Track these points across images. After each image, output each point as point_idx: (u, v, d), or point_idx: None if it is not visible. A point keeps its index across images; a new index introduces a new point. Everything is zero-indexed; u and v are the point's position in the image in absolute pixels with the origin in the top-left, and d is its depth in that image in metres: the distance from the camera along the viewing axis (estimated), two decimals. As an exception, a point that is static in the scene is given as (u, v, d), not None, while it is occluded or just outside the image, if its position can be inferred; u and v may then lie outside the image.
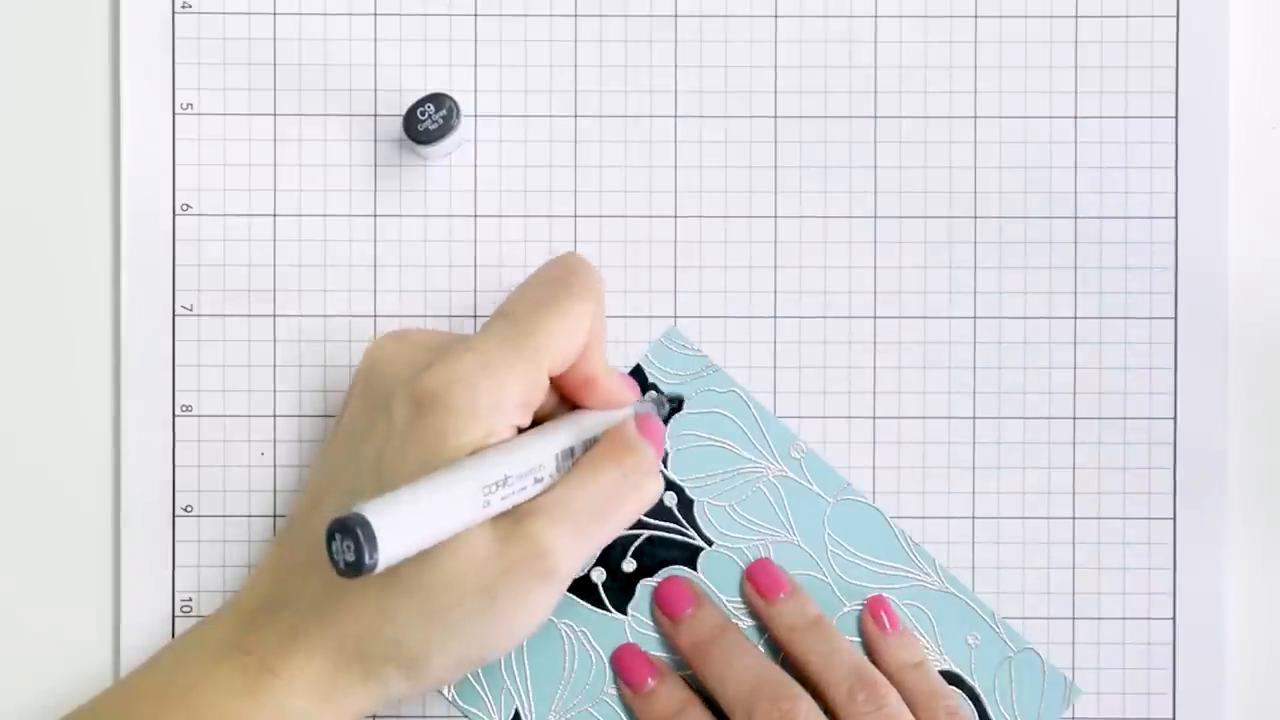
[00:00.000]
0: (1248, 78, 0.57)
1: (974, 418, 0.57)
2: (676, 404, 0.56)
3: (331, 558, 0.44)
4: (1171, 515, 0.57)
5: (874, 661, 0.54)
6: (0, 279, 0.57)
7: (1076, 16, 0.57)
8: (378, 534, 0.43)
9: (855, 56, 0.57)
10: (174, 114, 0.57)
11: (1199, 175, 0.57)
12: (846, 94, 0.57)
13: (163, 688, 0.50)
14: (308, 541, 0.51)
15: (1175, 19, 0.57)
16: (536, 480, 0.48)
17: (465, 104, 0.56)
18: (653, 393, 0.56)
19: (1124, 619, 0.57)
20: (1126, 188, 0.57)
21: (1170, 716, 0.56)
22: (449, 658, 0.48)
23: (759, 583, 0.55)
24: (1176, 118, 0.57)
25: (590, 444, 0.51)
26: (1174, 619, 0.56)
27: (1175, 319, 0.57)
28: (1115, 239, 0.57)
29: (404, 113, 0.55)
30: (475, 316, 0.56)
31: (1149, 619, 0.56)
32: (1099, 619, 0.56)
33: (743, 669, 0.53)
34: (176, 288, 0.56)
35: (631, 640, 0.55)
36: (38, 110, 0.57)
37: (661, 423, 0.54)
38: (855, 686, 0.52)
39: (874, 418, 0.57)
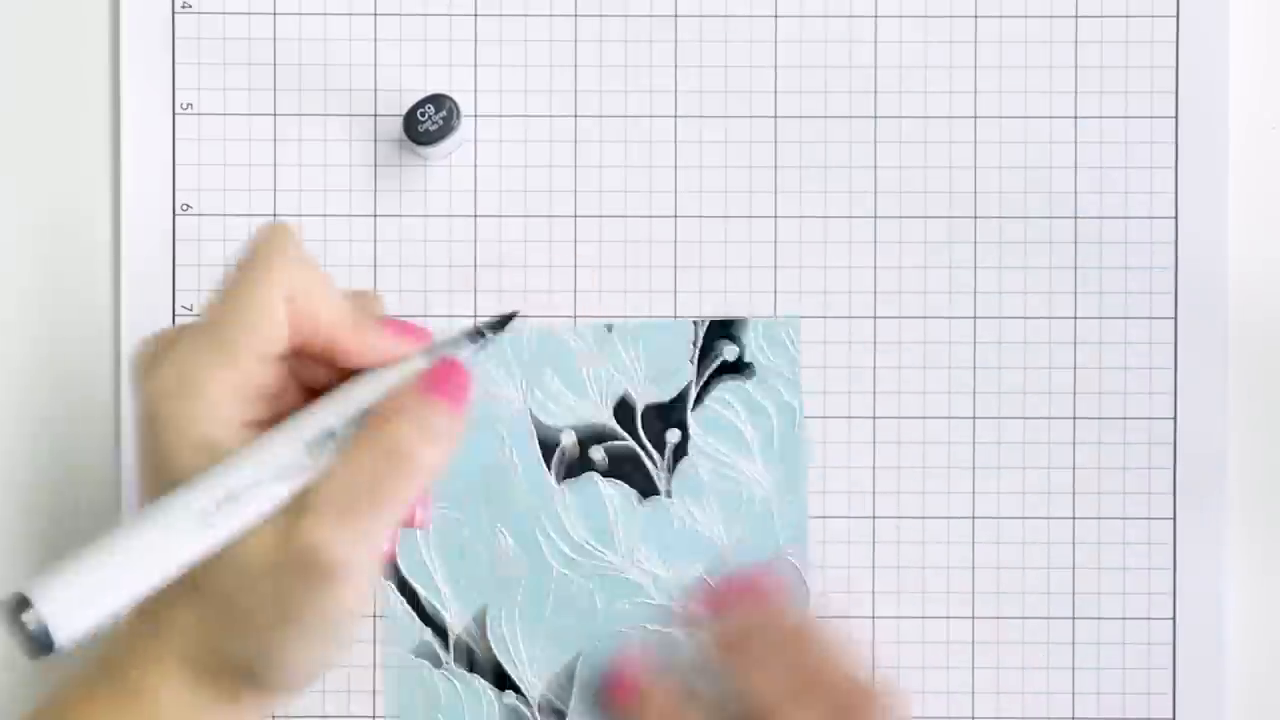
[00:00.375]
0: (1248, 78, 0.57)
1: (974, 418, 0.57)
2: (496, 326, 0.48)
3: (19, 643, 0.41)
4: (1171, 515, 0.57)
5: None
6: (1, 279, 0.57)
7: (1076, 16, 0.57)
8: (47, 618, 0.40)
9: (855, 56, 0.57)
10: (174, 114, 0.57)
11: (1199, 175, 0.57)
12: (846, 94, 0.57)
13: (39, 715, 0.47)
14: None
15: (1175, 19, 0.57)
16: (285, 480, 0.44)
17: (465, 104, 0.56)
18: (460, 332, 0.48)
19: (1124, 619, 0.56)
20: (1126, 188, 0.57)
21: (1170, 716, 0.56)
22: (277, 666, 0.46)
23: (747, 589, 0.52)
24: (1176, 118, 0.57)
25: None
26: (1174, 619, 0.56)
27: (1175, 319, 0.57)
28: (1115, 239, 0.57)
29: (404, 113, 0.55)
30: (475, 316, 0.56)
31: (1149, 619, 0.56)
32: (1099, 619, 0.56)
33: (771, 673, 0.49)
34: (176, 288, 0.56)
35: None
36: (38, 110, 0.57)
37: (459, 364, 0.46)
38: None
39: (874, 418, 0.57)
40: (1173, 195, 0.57)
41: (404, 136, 0.55)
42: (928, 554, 0.57)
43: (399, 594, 0.56)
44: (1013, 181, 0.57)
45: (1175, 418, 0.57)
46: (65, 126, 0.57)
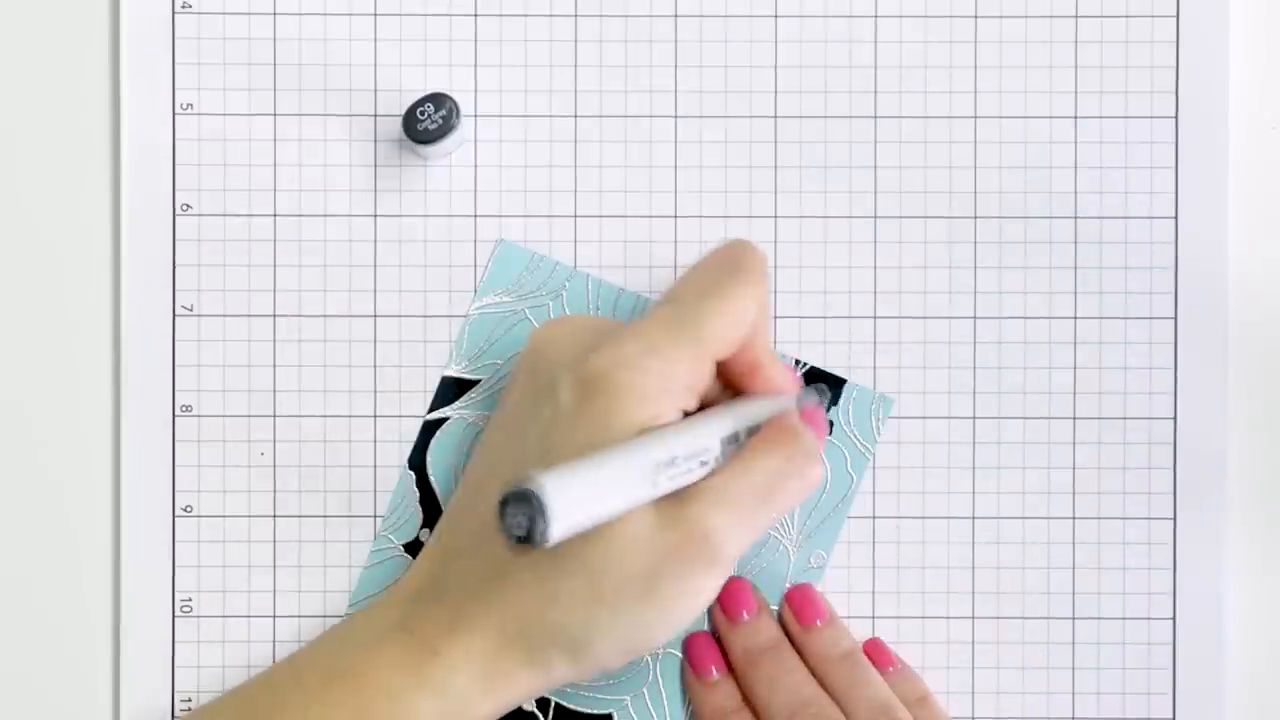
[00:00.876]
0: (1248, 78, 0.57)
1: (974, 418, 0.57)
2: (834, 397, 0.56)
3: (504, 529, 0.43)
4: (1171, 515, 0.57)
5: None
6: (1, 279, 0.57)
7: (1076, 16, 0.57)
8: (550, 506, 0.42)
9: (855, 56, 0.57)
10: (174, 114, 0.57)
11: (1199, 175, 0.57)
12: (846, 94, 0.57)
13: (328, 664, 0.50)
14: (471, 525, 0.51)
15: (1175, 19, 0.57)
16: (702, 464, 0.48)
17: (465, 104, 0.56)
18: (816, 385, 0.55)
19: (1124, 619, 0.57)
20: (1126, 188, 0.57)
21: (1170, 716, 0.56)
22: (611, 643, 0.48)
23: (797, 608, 0.55)
24: (1176, 118, 0.57)
25: (753, 431, 0.50)
26: (1174, 619, 0.56)
27: (1175, 319, 0.57)
28: (1115, 239, 0.57)
29: (404, 113, 0.55)
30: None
31: (1149, 619, 0.56)
32: (1099, 619, 0.56)
33: (792, 684, 0.53)
34: (176, 288, 0.56)
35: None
36: (38, 110, 0.57)
37: (824, 413, 0.54)
38: None
39: (874, 418, 0.57)
40: (1173, 195, 0.57)
41: (404, 136, 0.55)
42: (928, 554, 0.57)
43: (415, 484, 0.56)
44: (1013, 181, 0.57)
45: (1175, 418, 0.57)
46: (65, 126, 0.57)
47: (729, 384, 0.51)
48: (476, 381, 0.56)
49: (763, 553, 0.56)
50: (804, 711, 0.52)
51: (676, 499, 0.47)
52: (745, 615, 0.55)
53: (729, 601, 0.55)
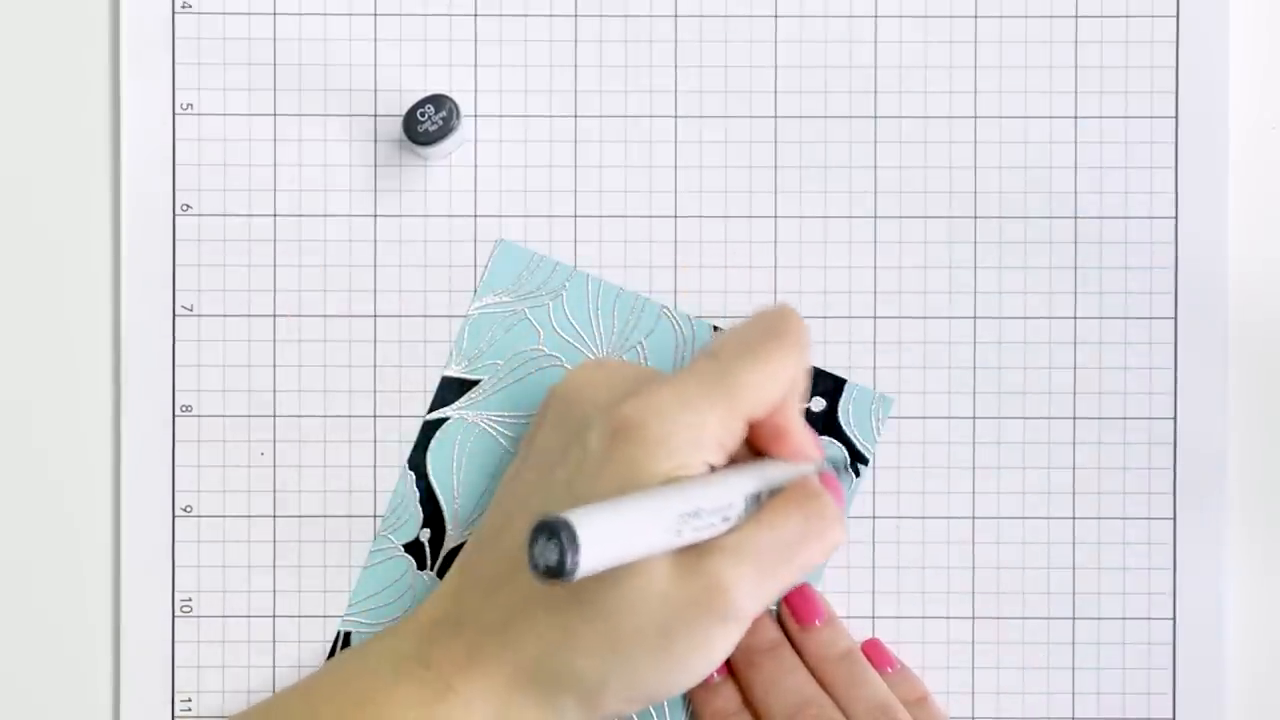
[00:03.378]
0: (1248, 78, 0.57)
1: (974, 418, 0.57)
2: (849, 470, 0.56)
3: (532, 560, 0.43)
4: (1171, 515, 0.57)
5: None
6: (0, 279, 0.57)
7: (1076, 16, 0.57)
8: (581, 540, 0.42)
9: (855, 56, 0.57)
10: (174, 114, 0.57)
11: (1199, 175, 0.57)
12: (846, 94, 0.57)
13: (342, 694, 0.50)
14: (494, 560, 0.51)
15: (1175, 19, 0.57)
16: (725, 519, 0.48)
17: (465, 104, 0.56)
18: (834, 454, 0.56)
19: (1124, 619, 0.57)
20: (1126, 188, 0.57)
21: (1170, 716, 0.56)
22: (624, 691, 0.48)
23: (796, 608, 0.55)
24: (1176, 118, 0.57)
25: (774, 492, 0.50)
26: (1174, 619, 0.56)
27: (1175, 319, 0.57)
28: (1115, 239, 0.57)
29: (404, 113, 0.55)
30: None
31: (1149, 619, 0.56)
32: (1099, 619, 0.56)
33: (793, 685, 0.53)
34: (176, 288, 0.56)
35: None
36: (38, 110, 0.57)
37: (841, 483, 0.54)
38: None
39: (874, 418, 0.57)
40: (1173, 195, 0.57)
41: (404, 136, 0.55)
42: (928, 554, 0.57)
43: (415, 484, 0.56)
44: (1013, 181, 0.57)
45: (1175, 418, 0.57)
46: (65, 126, 0.57)
47: (753, 445, 0.51)
48: (477, 381, 0.56)
49: None
50: (804, 712, 0.52)
51: (695, 552, 0.47)
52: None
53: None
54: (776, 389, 0.50)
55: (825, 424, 0.56)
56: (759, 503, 0.49)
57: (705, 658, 0.48)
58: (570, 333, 0.56)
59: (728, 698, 0.54)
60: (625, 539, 0.44)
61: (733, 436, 0.49)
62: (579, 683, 0.48)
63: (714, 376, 0.49)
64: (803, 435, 0.51)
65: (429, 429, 0.56)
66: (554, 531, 0.42)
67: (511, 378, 0.56)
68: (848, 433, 0.56)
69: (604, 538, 0.43)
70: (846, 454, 0.56)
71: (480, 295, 0.56)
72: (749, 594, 0.47)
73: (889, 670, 0.55)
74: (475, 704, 0.49)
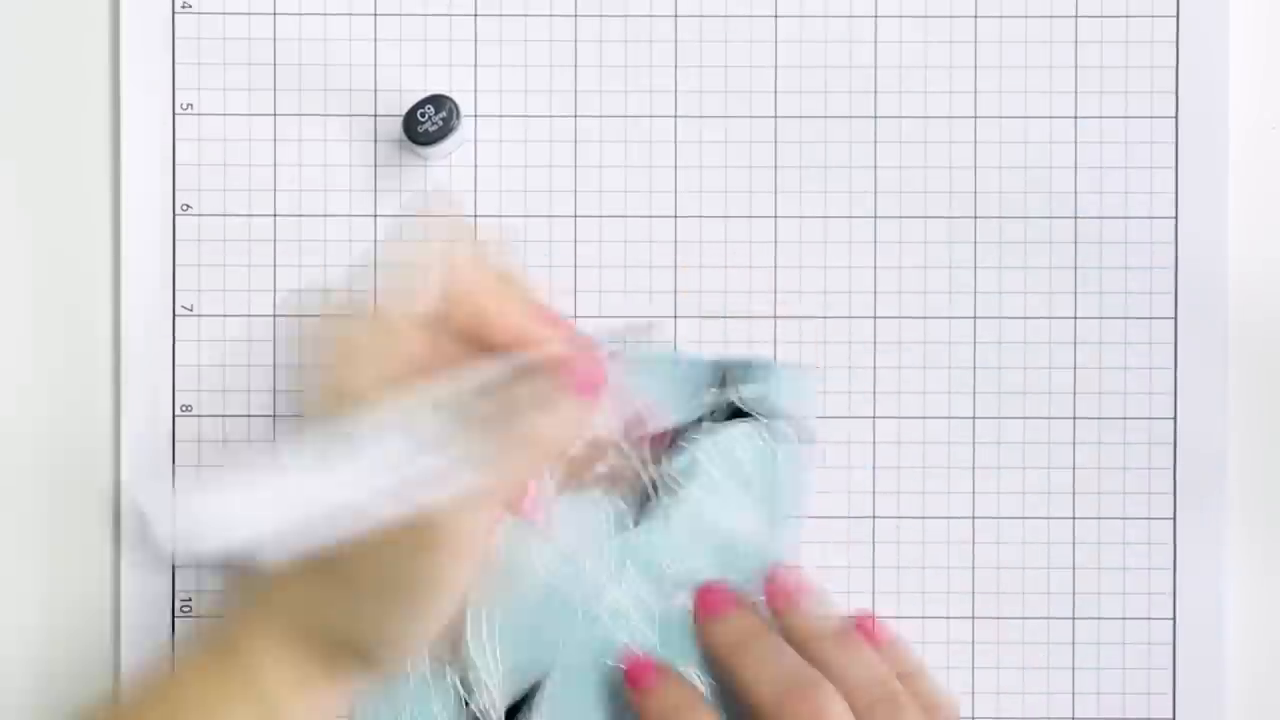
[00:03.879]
0: (1248, 78, 0.57)
1: (974, 418, 0.57)
2: (637, 331, 0.53)
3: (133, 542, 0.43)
4: (1171, 515, 0.57)
5: None
6: (1, 279, 0.57)
7: (1076, 16, 0.57)
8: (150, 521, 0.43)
9: (855, 56, 0.57)
10: (174, 114, 0.57)
11: (1199, 175, 0.57)
12: (846, 94, 0.57)
13: (156, 677, 0.50)
14: None
15: (1175, 19, 0.57)
16: (409, 439, 0.46)
17: (465, 104, 0.56)
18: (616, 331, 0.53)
19: (1124, 619, 0.57)
20: (1126, 188, 0.57)
21: (1170, 716, 0.56)
22: (383, 635, 0.48)
23: (781, 584, 0.54)
24: (1176, 118, 0.57)
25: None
26: (1174, 619, 0.56)
27: (1175, 319, 0.57)
28: (1115, 239, 0.57)
29: (404, 114, 0.55)
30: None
31: (1149, 619, 0.56)
32: (1099, 619, 0.56)
33: (778, 667, 0.51)
34: (176, 288, 0.56)
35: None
36: (38, 111, 0.57)
37: (595, 356, 0.48)
38: (875, 699, 0.51)
39: (874, 418, 0.57)
40: (1173, 195, 0.57)
41: (404, 137, 0.55)
42: (928, 554, 0.57)
43: None
44: (1013, 181, 0.57)
45: (1175, 418, 0.57)
46: (65, 126, 0.57)
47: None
48: None
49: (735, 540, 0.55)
50: (792, 688, 0.51)
51: None
52: (728, 610, 0.53)
53: (709, 599, 0.54)
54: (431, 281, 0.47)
55: (765, 408, 0.56)
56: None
57: (436, 590, 0.47)
58: None
59: (668, 699, 0.52)
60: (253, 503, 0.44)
61: (410, 351, 0.47)
62: (347, 640, 0.48)
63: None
64: (505, 322, 0.48)
65: None
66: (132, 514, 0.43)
67: None
68: (788, 413, 0.56)
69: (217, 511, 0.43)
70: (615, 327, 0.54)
71: None
72: (451, 519, 0.46)
73: (883, 645, 0.54)
74: (266, 667, 0.48)
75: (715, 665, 0.53)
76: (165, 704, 0.48)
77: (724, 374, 0.56)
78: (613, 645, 0.54)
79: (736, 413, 0.55)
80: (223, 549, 0.44)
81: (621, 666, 0.54)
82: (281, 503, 0.45)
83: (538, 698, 0.54)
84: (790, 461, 0.55)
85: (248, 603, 0.49)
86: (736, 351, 0.56)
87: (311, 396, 0.47)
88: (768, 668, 0.51)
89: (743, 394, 0.54)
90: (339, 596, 0.47)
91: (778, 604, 0.54)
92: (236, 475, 0.45)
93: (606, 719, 0.54)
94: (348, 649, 0.48)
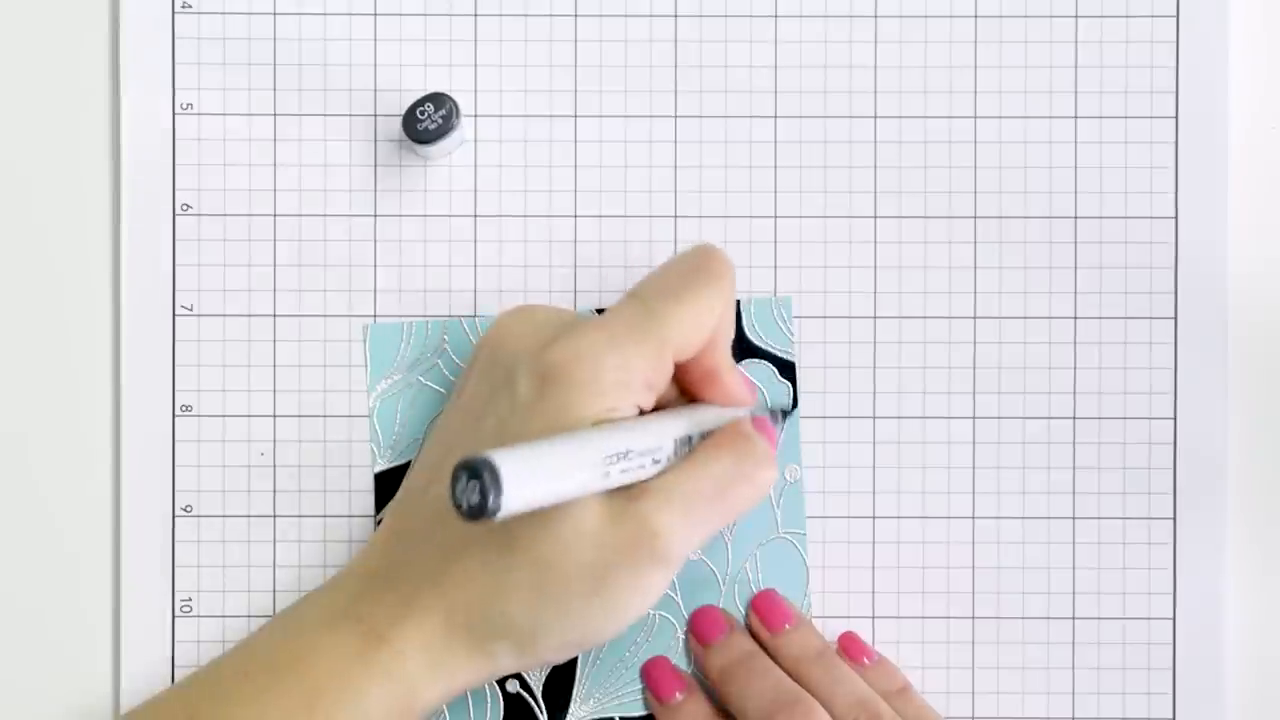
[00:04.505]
0: (1248, 78, 0.57)
1: (974, 418, 0.57)
2: (785, 414, 0.56)
3: (454, 499, 0.43)
4: (1171, 515, 0.57)
5: None
6: (0, 279, 0.57)
7: (1076, 16, 0.57)
8: (504, 478, 0.42)
9: (855, 56, 0.57)
10: (174, 114, 0.57)
11: (1199, 175, 0.57)
12: (846, 94, 0.57)
13: (276, 654, 0.50)
14: (424, 511, 0.51)
15: (1175, 19, 0.57)
16: (655, 461, 0.48)
17: (465, 104, 0.56)
18: (765, 399, 0.56)
19: (1124, 619, 0.57)
20: (1126, 188, 0.57)
21: (1170, 716, 0.56)
22: (557, 636, 0.48)
23: (764, 615, 0.55)
24: (1176, 118, 0.57)
25: (705, 436, 0.50)
26: (1174, 619, 0.56)
27: (1175, 319, 0.57)
28: (1115, 239, 0.57)
29: (404, 113, 0.55)
30: (476, 316, 0.56)
31: (1149, 619, 0.56)
32: (1099, 619, 0.56)
33: (764, 686, 0.53)
34: (176, 288, 0.56)
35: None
36: (38, 110, 0.57)
37: (775, 427, 0.54)
38: (859, 715, 0.52)
39: (874, 418, 0.57)
40: (1173, 195, 0.57)
41: (404, 136, 0.55)
42: (928, 554, 0.57)
43: None
44: (1013, 181, 0.57)
45: (1175, 418, 0.57)
46: (65, 126, 0.57)
47: (685, 389, 0.51)
48: (408, 463, 0.56)
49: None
50: (778, 705, 0.52)
51: (626, 495, 0.48)
52: (720, 636, 0.55)
53: (701, 626, 0.55)
54: (703, 328, 0.49)
55: (740, 348, 0.56)
56: (690, 446, 0.49)
57: (637, 601, 0.48)
58: None
59: (691, 713, 0.54)
60: (550, 479, 0.45)
61: (661, 377, 0.49)
62: (512, 628, 0.48)
63: (640, 317, 0.49)
64: (732, 376, 0.51)
65: None
66: (476, 471, 0.42)
67: None
68: (763, 347, 0.56)
69: (527, 477, 0.43)
70: (790, 397, 0.56)
71: (372, 386, 0.56)
72: (679, 535, 0.47)
73: (865, 662, 0.55)
74: (408, 653, 0.48)
75: (711, 687, 0.54)
76: (296, 684, 0.49)
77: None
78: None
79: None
80: (532, 507, 0.44)
81: (684, 628, 0.56)
82: (570, 470, 0.45)
83: (579, 667, 0.56)
84: (771, 392, 0.56)
85: (401, 590, 0.49)
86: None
87: (563, 404, 0.48)
88: (755, 687, 0.53)
89: (756, 412, 0.54)
90: (532, 593, 0.48)
91: (766, 627, 0.55)
92: (556, 441, 0.46)
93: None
94: (515, 642, 0.49)
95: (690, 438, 0.50)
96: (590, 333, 0.48)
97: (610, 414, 0.48)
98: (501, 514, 0.43)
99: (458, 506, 0.43)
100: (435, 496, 0.50)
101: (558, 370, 0.48)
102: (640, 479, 0.48)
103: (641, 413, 0.49)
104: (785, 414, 0.56)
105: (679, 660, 0.56)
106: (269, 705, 0.48)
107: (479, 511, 0.42)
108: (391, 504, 0.54)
